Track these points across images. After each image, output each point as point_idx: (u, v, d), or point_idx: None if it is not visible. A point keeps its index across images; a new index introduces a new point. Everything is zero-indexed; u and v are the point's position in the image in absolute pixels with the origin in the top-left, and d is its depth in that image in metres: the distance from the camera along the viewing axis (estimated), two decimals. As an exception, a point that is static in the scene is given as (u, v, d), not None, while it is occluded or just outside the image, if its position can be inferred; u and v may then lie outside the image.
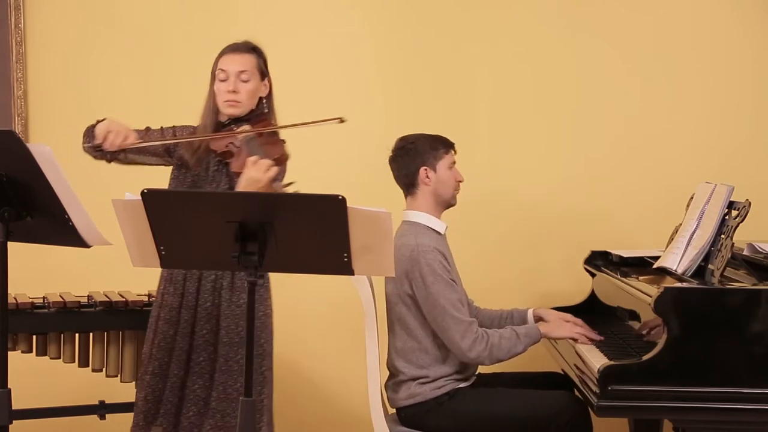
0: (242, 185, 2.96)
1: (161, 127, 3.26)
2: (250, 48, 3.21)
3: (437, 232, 3.30)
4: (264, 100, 3.23)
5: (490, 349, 3.14)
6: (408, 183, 3.32)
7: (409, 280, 3.19)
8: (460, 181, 3.35)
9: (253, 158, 2.96)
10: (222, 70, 3.16)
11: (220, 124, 3.18)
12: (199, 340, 3.14)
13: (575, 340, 3.29)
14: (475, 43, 4.23)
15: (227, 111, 3.16)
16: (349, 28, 4.21)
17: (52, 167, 2.67)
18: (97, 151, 3.10)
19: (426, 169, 3.29)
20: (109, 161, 3.16)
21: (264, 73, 3.22)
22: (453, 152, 3.34)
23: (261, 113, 3.21)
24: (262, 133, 3.11)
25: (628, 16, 4.24)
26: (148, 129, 3.23)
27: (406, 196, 3.36)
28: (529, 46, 4.24)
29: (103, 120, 3.11)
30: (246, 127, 3.12)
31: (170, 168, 3.25)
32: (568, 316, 3.43)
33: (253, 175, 2.93)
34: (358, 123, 4.18)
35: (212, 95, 3.19)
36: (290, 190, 2.91)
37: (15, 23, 4.00)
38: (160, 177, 3.23)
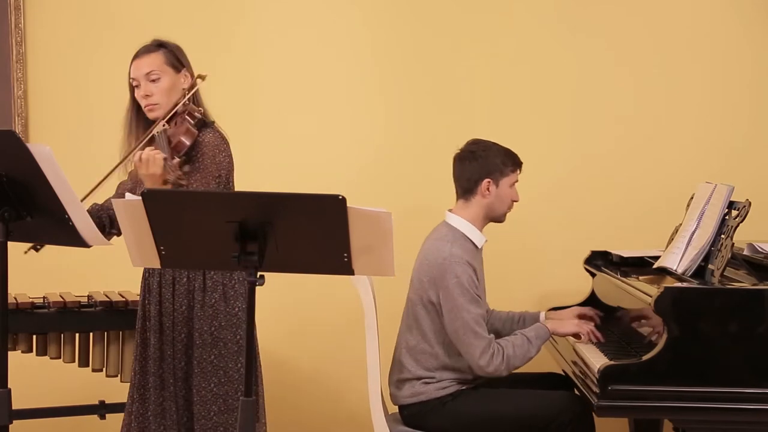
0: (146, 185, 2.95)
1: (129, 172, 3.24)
2: (155, 46, 3.15)
3: (474, 244, 3.26)
4: (186, 92, 3.14)
5: (506, 362, 3.13)
6: (466, 188, 3.27)
7: (435, 288, 3.17)
8: (515, 201, 3.31)
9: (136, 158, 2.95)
10: (132, 79, 3.13)
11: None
12: (178, 345, 3.12)
13: (579, 336, 3.30)
14: (474, 43, 4.23)
15: (150, 116, 3.12)
16: (349, 28, 4.21)
17: (52, 167, 2.67)
18: None
19: (489, 182, 3.24)
20: None
21: (177, 66, 3.14)
22: (519, 171, 3.30)
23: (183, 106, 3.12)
24: (169, 125, 3.06)
25: (627, 17, 4.24)
26: (121, 182, 3.24)
27: (458, 198, 3.31)
28: (528, 46, 4.23)
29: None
30: (161, 124, 3.06)
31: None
32: (583, 309, 3.47)
33: (142, 173, 2.95)
34: (358, 123, 4.20)
35: (133, 106, 3.16)
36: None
37: (15, 23, 3.99)
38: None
